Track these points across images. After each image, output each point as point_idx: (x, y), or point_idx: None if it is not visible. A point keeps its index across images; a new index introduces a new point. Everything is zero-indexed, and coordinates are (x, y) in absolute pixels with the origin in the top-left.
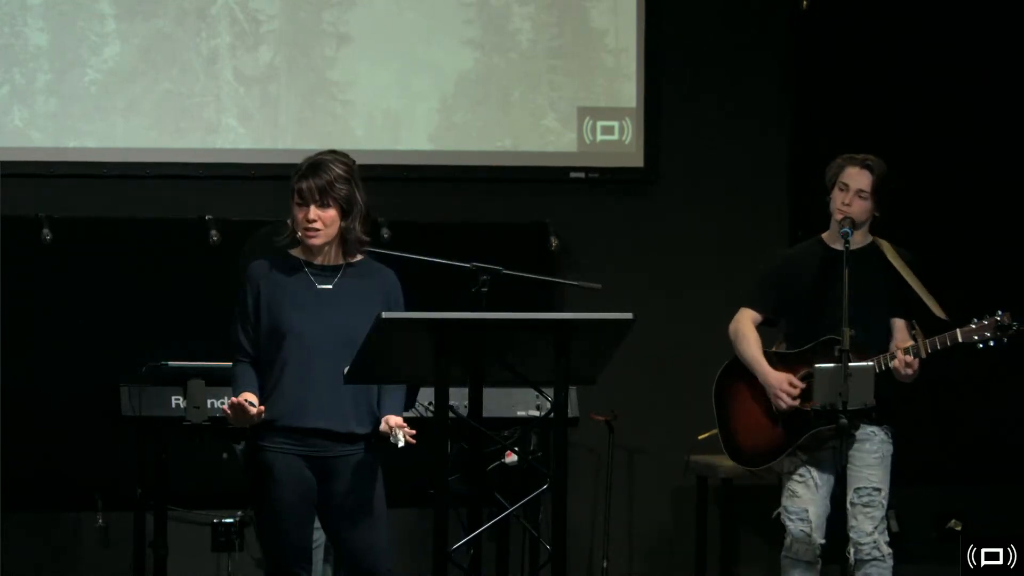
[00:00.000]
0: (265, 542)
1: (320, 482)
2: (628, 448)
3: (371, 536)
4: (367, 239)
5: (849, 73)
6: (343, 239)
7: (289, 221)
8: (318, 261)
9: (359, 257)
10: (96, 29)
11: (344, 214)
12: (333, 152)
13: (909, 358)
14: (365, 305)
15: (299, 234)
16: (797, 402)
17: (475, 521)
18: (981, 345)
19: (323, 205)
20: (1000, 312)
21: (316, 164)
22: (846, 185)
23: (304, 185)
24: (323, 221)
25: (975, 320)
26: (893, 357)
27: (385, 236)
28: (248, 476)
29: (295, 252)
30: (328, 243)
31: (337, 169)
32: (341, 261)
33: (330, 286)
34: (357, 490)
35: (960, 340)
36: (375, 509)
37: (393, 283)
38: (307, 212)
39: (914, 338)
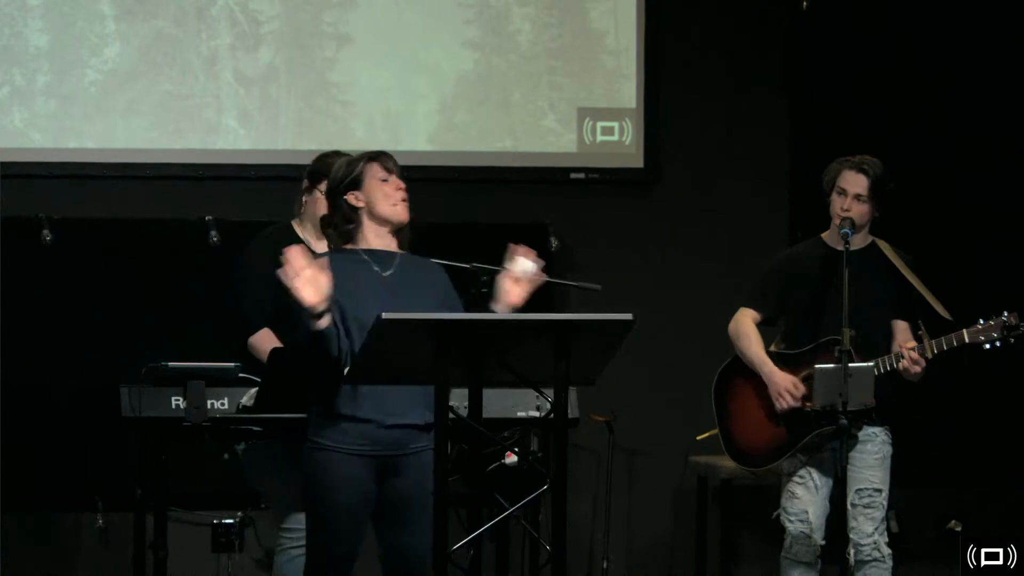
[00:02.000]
0: (313, 544)
1: (381, 481)
2: (628, 448)
3: (423, 539)
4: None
5: (849, 73)
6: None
7: (343, 216)
8: (376, 247)
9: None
10: (96, 29)
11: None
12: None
13: (915, 356)
14: (428, 290)
15: (389, 207)
16: (798, 403)
17: (475, 521)
18: (988, 346)
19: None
20: (1006, 313)
21: (383, 152)
22: (844, 190)
23: (388, 161)
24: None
25: (981, 321)
26: (900, 358)
27: (331, 237)
28: (303, 474)
29: (348, 246)
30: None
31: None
32: (395, 249)
33: (392, 271)
34: (418, 491)
35: (967, 341)
36: (428, 511)
37: (445, 275)
38: (397, 182)
39: (920, 339)
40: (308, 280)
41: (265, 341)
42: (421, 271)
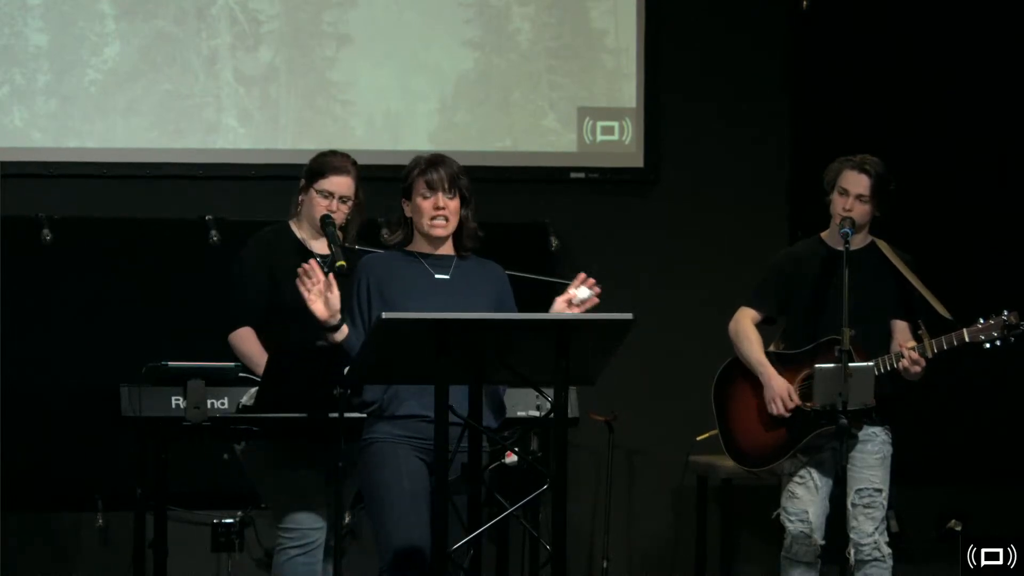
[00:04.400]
0: (383, 533)
1: (428, 473)
2: (628, 448)
3: (453, 535)
4: (481, 234)
5: (849, 73)
6: (461, 230)
7: (398, 219)
8: (429, 251)
9: (468, 253)
10: (96, 29)
11: (464, 204)
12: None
13: (915, 355)
14: (482, 293)
15: (425, 224)
16: (789, 413)
17: (475, 521)
18: (988, 345)
19: (451, 195)
20: (1006, 312)
21: (438, 158)
22: (845, 190)
23: (433, 176)
24: (451, 209)
25: (981, 320)
26: (899, 357)
27: (386, 236)
28: (361, 471)
29: (407, 248)
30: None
31: (455, 163)
32: (454, 252)
33: (447, 276)
34: (451, 490)
35: (967, 340)
36: (456, 509)
37: (503, 277)
38: (436, 199)
39: (920, 338)
40: (319, 294)
41: (245, 340)
42: (478, 275)
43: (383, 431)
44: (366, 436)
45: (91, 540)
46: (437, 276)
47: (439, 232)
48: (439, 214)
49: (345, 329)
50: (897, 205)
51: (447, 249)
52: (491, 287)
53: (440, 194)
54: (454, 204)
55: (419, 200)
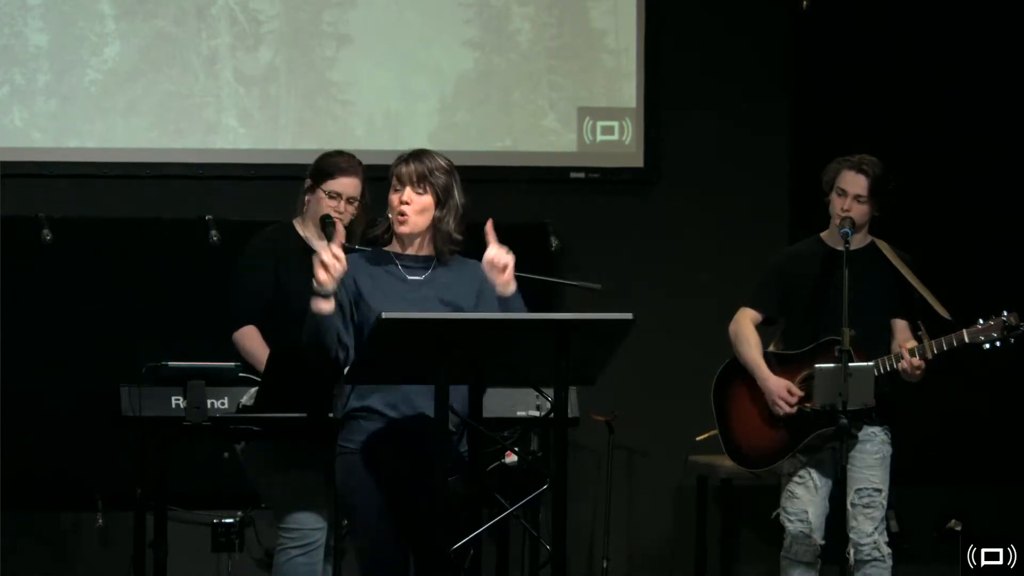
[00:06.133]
0: (359, 548)
1: (412, 478)
2: (628, 448)
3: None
4: (459, 238)
5: (849, 73)
6: (434, 231)
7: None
8: (409, 252)
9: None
10: (96, 29)
11: (439, 204)
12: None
13: (916, 359)
14: (455, 296)
15: (391, 218)
16: (794, 409)
17: (475, 521)
18: (987, 346)
19: (420, 191)
20: (1006, 312)
21: (418, 152)
22: (843, 190)
23: (403, 169)
24: (416, 206)
25: (981, 320)
26: (899, 358)
27: (385, 236)
28: (337, 481)
29: (388, 248)
30: (419, 234)
31: (439, 160)
32: (432, 253)
33: (420, 278)
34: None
35: (967, 341)
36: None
37: (482, 273)
38: (401, 195)
39: (920, 339)
40: (328, 260)
41: (249, 339)
42: (454, 278)
43: (354, 441)
44: (340, 444)
45: (91, 540)
46: (410, 278)
47: (399, 228)
48: (403, 207)
49: (332, 304)
50: (897, 205)
51: (426, 249)
52: (468, 288)
53: (407, 188)
54: (422, 201)
55: (390, 194)
